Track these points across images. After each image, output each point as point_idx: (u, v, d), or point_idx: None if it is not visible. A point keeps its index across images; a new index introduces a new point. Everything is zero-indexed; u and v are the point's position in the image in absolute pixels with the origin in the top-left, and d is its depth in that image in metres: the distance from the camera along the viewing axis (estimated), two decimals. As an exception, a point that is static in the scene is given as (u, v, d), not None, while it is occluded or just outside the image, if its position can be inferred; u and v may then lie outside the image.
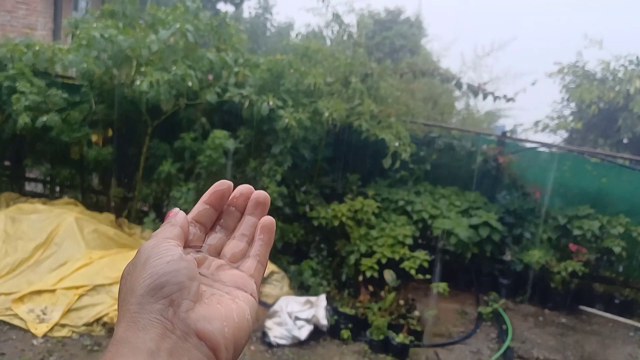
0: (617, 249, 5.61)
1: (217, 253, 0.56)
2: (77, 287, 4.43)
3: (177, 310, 0.44)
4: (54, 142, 5.82)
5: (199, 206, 0.57)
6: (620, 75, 10.09)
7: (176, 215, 0.53)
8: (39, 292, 4.46)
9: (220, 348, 0.45)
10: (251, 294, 0.52)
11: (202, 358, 0.44)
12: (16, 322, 4.24)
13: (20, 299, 4.40)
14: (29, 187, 6.94)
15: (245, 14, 18.94)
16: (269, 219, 0.58)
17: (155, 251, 0.47)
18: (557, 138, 11.07)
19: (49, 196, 6.47)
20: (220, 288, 0.51)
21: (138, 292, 0.45)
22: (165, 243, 0.49)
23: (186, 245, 0.53)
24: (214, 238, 0.57)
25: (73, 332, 4.23)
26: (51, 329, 4.19)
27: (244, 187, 0.59)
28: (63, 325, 4.24)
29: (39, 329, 4.17)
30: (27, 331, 4.17)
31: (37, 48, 5.69)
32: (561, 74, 10.76)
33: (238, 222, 0.58)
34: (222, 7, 18.73)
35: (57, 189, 6.66)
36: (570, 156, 6.75)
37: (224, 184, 0.57)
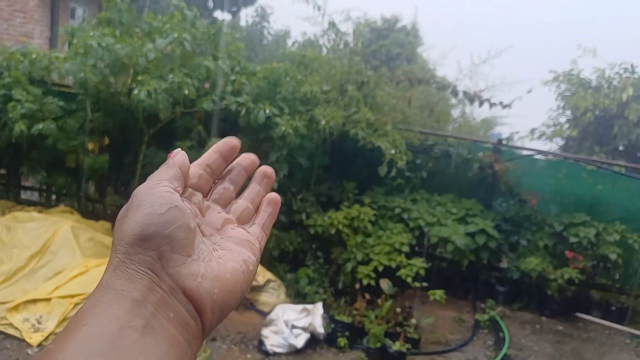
0: (613, 256, 5.61)
1: (224, 205, 0.53)
2: (72, 296, 4.41)
3: (166, 265, 0.41)
4: (50, 150, 5.82)
5: (210, 153, 0.53)
6: (614, 83, 10.15)
7: (176, 155, 0.49)
8: (34, 301, 4.43)
9: (206, 310, 0.43)
10: (253, 255, 0.49)
11: (187, 316, 0.42)
12: (11, 331, 4.21)
13: (15, 308, 4.37)
14: (24, 195, 6.92)
15: (243, 22, 19.01)
16: (276, 195, 0.56)
17: (147, 197, 0.44)
18: (553, 145, 11.11)
19: (44, 204, 6.45)
20: (220, 243, 0.48)
21: (125, 241, 0.42)
22: (160, 187, 0.45)
23: (193, 186, 0.50)
24: (222, 189, 0.53)
25: (68, 341, 4.20)
26: (46, 338, 4.17)
27: (251, 155, 0.57)
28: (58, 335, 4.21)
29: (34, 339, 4.14)
30: (22, 340, 4.14)
31: (33, 56, 5.70)
32: (556, 82, 10.82)
33: (243, 183, 0.56)
34: (219, 15, 18.82)
35: (53, 197, 6.65)
36: (566, 163, 6.77)
37: (233, 139, 0.54)
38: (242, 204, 0.54)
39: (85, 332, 0.37)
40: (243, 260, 0.47)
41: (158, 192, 0.44)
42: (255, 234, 0.52)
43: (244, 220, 0.53)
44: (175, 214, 0.43)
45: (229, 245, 0.48)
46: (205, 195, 0.52)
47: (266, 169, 0.57)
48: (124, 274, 0.41)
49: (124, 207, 0.45)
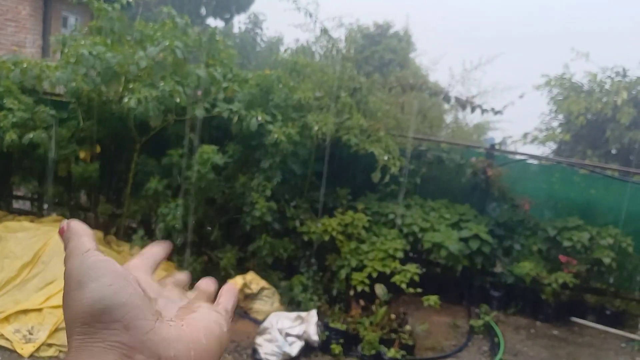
0: (607, 260, 5.62)
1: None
2: (64, 306, 4.36)
3: (135, 334, 0.38)
4: (42, 159, 5.78)
5: (138, 259, 0.50)
6: (607, 86, 10.22)
7: (69, 224, 0.45)
8: (25, 312, 4.39)
9: None
10: (224, 321, 0.46)
11: None
12: (2, 342, 4.17)
13: (6, 318, 4.33)
14: (16, 204, 6.87)
15: (235, 29, 19.04)
16: (233, 284, 0.53)
17: (85, 272, 0.40)
18: (546, 150, 11.16)
19: (36, 214, 6.41)
20: (186, 310, 0.45)
21: (82, 321, 0.38)
22: (91, 258, 0.41)
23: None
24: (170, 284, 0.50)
25: (60, 351, 4.17)
26: (38, 349, 4.13)
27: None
28: (50, 345, 4.18)
29: (26, 349, 4.10)
30: (13, 351, 4.10)
31: (24, 65, 5.67)
32: (549, 86, 10.88)
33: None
34: (211, 22, 18.84)
35: (45, 206, 6.60)
36: (559, 168, 6.79)
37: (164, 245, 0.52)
38: (199, 289, 0.51)
39: None
40: (215, 322, 0.44)
41: (94, 264, 0.40)
42: (221, 309, 0.48)
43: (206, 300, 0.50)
44: (122, 282, 0.40)
45: (198, 305, 0.46)
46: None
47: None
48: (90, 353, 0.37)
49: (63, 294, 0.41)
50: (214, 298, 0.51)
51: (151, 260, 0.49)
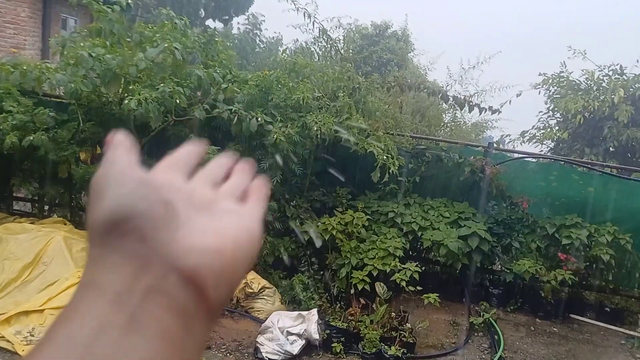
0: (605, 257, 5.65)
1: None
2: (65, 307, 4.38)
3: (152, 245, 0.36)
4: (42, 161, 5.80)
5: (171, 158, 0.46)
6: (604, 84, 10.25)
7: (113, 138, 0.43)
8: (26, 313, 4.40)
9: (208, 287, 0.36)
10: (255, 222, 0.42)
11: (185, 299, 0.35)
12: (3, 344, 4.18)
13: (7, 320, 4.33)
14: (17, 206, 6.88)
15: (234, 30, 19.06)
16: (263, 177, 0.49)
17: (108, 180, 0.38)
18: (544, 148, 11.18)
19: (37, 215, 6.42)
20: (215, 212, 0.41)
21: (98, 231, 0.36)
22: (117, 167, 0.39)
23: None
24: (201, 176, 0.46)
25: (61, 353, 4.17)
26: (39, 350, 4.13)
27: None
28: (51, 346, 4.19)
29: (27, 351, 4.06)
30: (14, 353, 4.11)
31: (24, 67, 5.68)
32: (546, 85, 10.91)
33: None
34: (210, 23, 18.86)
35: (46, 207, 6.62)
36: (557, 166, 6.82)
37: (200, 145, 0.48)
38: (230, 185, 0.46)
39: (59, 338, 0.33)
40: (244, 227, 0.41)
41: (118, 173, 0.39)
42: (251, 206, 0.45)
43: (235, 199, 0.46)
44: (143, 190, 0.37)
45: (224, 215, 0.41)
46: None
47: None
48: (104, 266, 0.36)
49: (89, 201, 0.39)
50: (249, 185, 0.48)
51: (187, 158, 0.46)
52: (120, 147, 0.42)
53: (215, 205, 0.42)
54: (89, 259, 0.37)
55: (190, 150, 0.47)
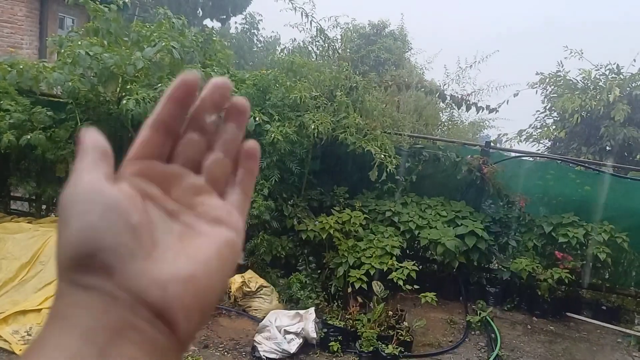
0: (602, 256, 5.67)
1: (193, 162, 0.42)
2: (63, 306, 4.38)
3: (120, 279, 0.34)
4: (39, 160, 5.79)
5: (162, 104, 0.42)
6: (601, 84, 10.27)
7: (84, 136, 0.39)
8: (24, 313, 4.40)
9: (178, 319, 0.35)
10: (233, 229, 0.40)
11: (155, 333, 0.34)
12: (0, 343, 4.18)
13: (5, 320, 4.33)
14: (14, 205, 6.87)
15: (232, 30, 19.06)
16: (254, 143, 0.44)
17: (74, 205, 0.35)
18: (541, 147, 11.21)
19: (34, 215, 6.41)
20: (192, 224, 0.39)
21: (64, 265, 0.35)
22: (84, 185, 0.36)
23: (146, 156, 0.41)
24: (187, 141, 0.42)
25: (59, 352, 4.17)
26: (37, 350, 4.13)
27: (220, 81, 0.43)
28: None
29: (24, 350, 4.11)
30: (12, 353, 4.11)
31: (21, 66, 5.68)
32: (543, 84, 10.93)
33: (215, 124, 0.43)
34: (208, 23, 18.84)
35: (43, 207, 6.61)
36: (554, 165, 6.84)
37: (189, 75, 0.42)
38: (214, 156, 0.43)
39: None
40: (222, 242, 0.39)
41: (83, 195, 0.36)
42: (234, 202, 0.42)
43: (218, 180, 0.42)
44: (110, 217, 0.35)
45: (202, 227, 0.39)
46: (167, 159, 0.42)
47: (237, 102, 0.44)
48: (72, 301, 0.34)
49: (57, 224, 0.37)
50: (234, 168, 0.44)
51: (178, 101, 0.42)
52: (90, 152, 0.38)
53: (191, 213, 0.39)
54: (57, 292, 0.35)
55: (180, 86, 0.41)
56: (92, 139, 0.39)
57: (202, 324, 0.38)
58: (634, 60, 10.20)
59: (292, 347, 4.57)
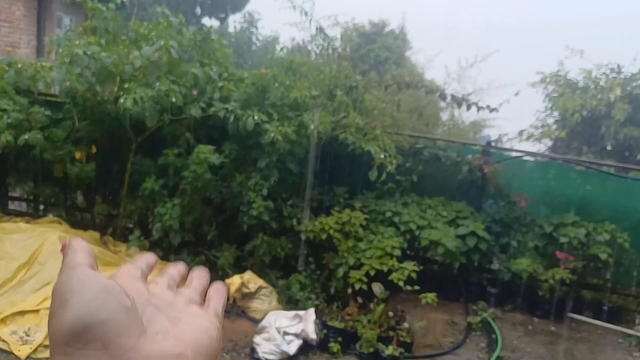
0: (603, 256, 5.63)
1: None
2: (61, 307, 4.35)
3: (115, 353, 0.37)
4: (37, 160, 5.76)
5: (127, 266, 0.48)
6: (601, 83, 10.25)
7: (70, 241, 0.44)
8: (22, 313, 4.38)
9: None
10: (215, 330, 0.44)
11: None
12: (-2, 344, 4.15)
13: (3, 320, 4.31)
14: (12, 205, 6.85)
15: (231, 29, 19.01)
16: (222, 283, 0.52)
17: (70, 289, 0.39)
18: (542, 147, 11.19)
19: (32, 215, 6.39)
20: (178, 314, 0.44)
21: (62, 341, 0.37)
22: (78, 274, 0.40)
23: (135, 275, 0.46)
24: (162, 278, 0.49)
25: (57, 353, 4.15)
26: (35, 350, 4.12)
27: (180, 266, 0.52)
28: (47, 347, 4.16)
29: (22, 351, 4.09)
30: (10, 353, 4.09)
31: (19, 66, 5.65)
32: (544, 84, 10.92)
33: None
34: (206, 21, 18.81)
35: (41, 207, 6.58)
36: (555, 164, 6.81)
37: (149, 255, 0.51)
38: (189, 289, 0.49)
39: None
40: (204, 330, 0.43)
41: (78, 279, 0.39)
42: (210, 312, 0.47)
43: (195, 303, 0.48)
44: (105, 297, 0.38)
45: (185, 317, 0.43)
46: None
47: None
48: None
49: (50, 308, 0.40)
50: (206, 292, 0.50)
51: (143, 265, 0.48)
52: (79, 252, 0.42)
53: (175, 308, 0.44)
54: None
55: (145, 258, 0.49)
56: (79, 242, 0.44)
57: None
58: (635, 60, 10.18)
59: (292, 349, 4.54)
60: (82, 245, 0.44)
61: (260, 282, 5.29)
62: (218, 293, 0.51)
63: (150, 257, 0.50)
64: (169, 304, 0.44)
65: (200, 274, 0.52)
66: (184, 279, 0.51)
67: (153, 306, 0.42)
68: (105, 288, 0.39)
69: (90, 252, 0.43)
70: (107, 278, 0.41)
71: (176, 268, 0.52)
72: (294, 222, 5.66)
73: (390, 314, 5.05)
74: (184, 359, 0.39)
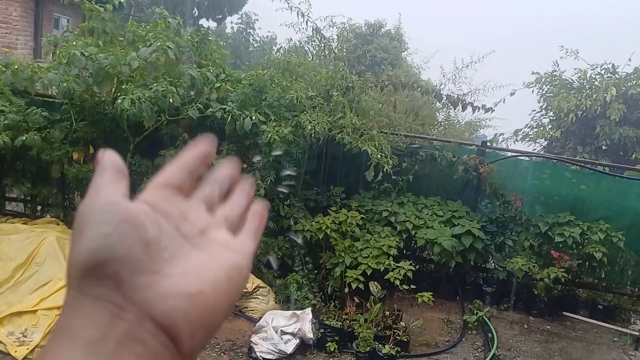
0: (598, 255, 5.68)
1: (207, 209, 0.44)
2: (58, 308, 4.36)
3: (128, 292, 0.35)
4: (35, 161, 5.77)
5: (172, 168, 0.44)
6: (596, 83, 10.30)
7: (103, 156, 0.41)
8: (19, 314, 4.38)
9: (182, 335, 0.36)
10: (242, 259, 0.41)
11: (159, 347, 0.35)
12: (-4, 345, 4.16)
13: (0, 321, 4.31)
14: (9, 206, 6.84)
15: (228, 30, 19.00)
16: (262, 205, 0.48)
17: (90, 216, 0.37)
18: (537, 147, 11.23)
19: (30, 216, 6.39)
20: (202, 246, 0.40)
21: (75, 274, 0.36)
22: (101, 199, 0.38)
23: (173, 186, 0.42)
24: (205, 192, 0.45)
25: (55, 353, 4.15)
26: (32, 351, 4.12)
27: (231, 163, 0.47)
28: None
29: (19, 352, 4.09)
30: (7, 354, 4.09)
31: (16, 67, 5.65)
32: (539, 84, 10.96)
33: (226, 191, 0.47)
34: (204, 22, 18.80)
35: (39, 208, 6.58)
36: (550, 164, 6.85)
37: (204, 145, 0.45)
38: (227, 209, 0.45)
39: None
40: (230, 266, 0.40)
41: (100, 206, 0.37)
42: (243, 240, 0.44)
43: (231, 221, 0.45)
44: (124, 229, 0.36)
45: (212, 249, 0.40)
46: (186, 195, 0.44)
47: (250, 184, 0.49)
48: (79, 311, 0.35)
49: (71, 235, 0.38)
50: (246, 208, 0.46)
51: (191, 164, 0.44)
52: (108, 170, 0.40)
53: (204, 237, 0.41)
54: (66, 303, 0.36)
55: (194, 154, 0.45)
56: (111, 158, 0.41)
57: (206, 341, 0.39)
58: (629, 60, 10.24)
59: (289, 348, 4.56)
60: (113, 162, 0.41)
61: (258, 281, 5.31)
62: (256, 217, 0.47)
63: (202, 149, 0.45)
64: (200, 232, 0.41)
65: (243, 190, 0.47)
66: (227, 190, 0.47)
67: (181, 235, 0.39)
68: (126, 219, 0.37)
69: (121, 169, 0.41)
70: (132, 205, 0.38)
71: (220, 175, 0.46)
72: (291, 221, 5.68)
73: (387, 313, 5.08)
74: (200, 300, 0.36)
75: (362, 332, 4.73)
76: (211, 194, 0.45)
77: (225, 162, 0.47)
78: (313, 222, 5.63)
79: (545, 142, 11.19)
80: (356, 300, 5.27)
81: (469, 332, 5.48)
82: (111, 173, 0.40)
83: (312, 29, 6.75)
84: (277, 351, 4.52)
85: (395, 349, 4.62)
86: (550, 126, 10.93)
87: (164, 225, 0.39)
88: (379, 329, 4.87)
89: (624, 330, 5.75)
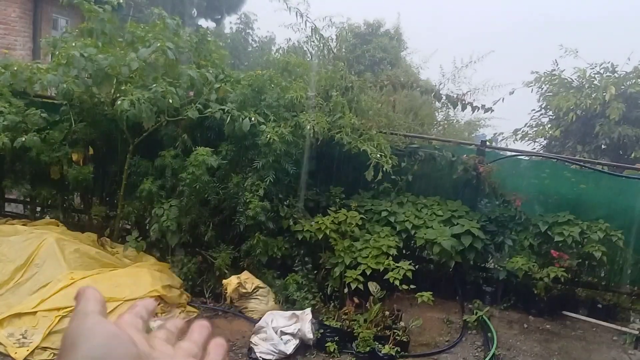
0: (597, 254, 5.67)
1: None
2: (58, 309, 4.36)
3: None
4: (34, 162, 5.77)
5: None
6: (596, 82, 10.31)
7: (85, 290, 0.47)
8: (19, 315, 4.38)
9: None
10: None
11: None
12: (-5, 346, 4.16)
13: (0, 322, 4.31)
14: (9, 208, 6.85)
15: (227, 30, 19.01)
16: (222, 339, 0.55)
17: (81, 333, 0.41)
18: (537, 146, 11.24)
19: (29, 217, 6.39)
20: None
21: None
22: (90, 320, 0.42)
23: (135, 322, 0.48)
24: (163, 332, 0.51)
25: (54, 355, 4.15)
26: (32, 353, 4.12)
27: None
28: (44, 349, 4.17)
29: (19, 353, 4.09)
30: (6, 356, 4.09)
31: (15, 68, 5.66)
32: (538, 83, 10.97)
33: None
34: (202, 23, 18.81)
35: (38, 209, 6.58)
36: (549, 163, 6.85)
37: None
38: (188, 344, 0.51)
39: None
40: None
41: (89, 326, 0.41)
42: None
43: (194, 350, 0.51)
44: (114, 343, 0.40)
45: None
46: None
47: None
48: None
49: (59, 352, 0.42)
50: (205, 344, 0.52)
51: (143, 312, 0.51)
52: (91, 300, 0.45)
53: (175, 354, 0.46)
54: None
55: (144, 304, 0.51)
56: (92, 291, 0.46)
57: None
58: (629, 59, 10.24)
59: (289, 348, 4.57)
60: (95, 294, 0.46)
61: (257, 282, 5.31)
62: (218, 347, 0.53)
63: (149, 303, 0.52)
64: (169, 355, 0.46)
65: (201, 327, 0.54)
66: (183, 332, 0.53)
67: (153, 358, 0.44)
68: (115, 335, 0.41)
69: (102, 300, 0.46)
70: (116, 326, 0.43)
71: (175, 323, 0.54)
72: (291, 222, 5.68)
73: (387, 313, 5.08)
74: None
75: (362, 332, 4.73)
76: (170, 332, 0.51)
77: (173, 320, 0.54)
78: (312, 222, 5.62)
79: (545, 142, 11.20)
80: (356, 300, 5.27)
81: (469, 331, 5.48)
82: (94, 302, 0.45)
83: (311, 29, 6.75)
84: (277, 351, 4.52)
85: (395, 349, 4.63)
86: (549, 125, 10.94)
87: (143, 348, 0.44)
88: (379, 329, 4.87)
89: (623, 329, 5.75)
